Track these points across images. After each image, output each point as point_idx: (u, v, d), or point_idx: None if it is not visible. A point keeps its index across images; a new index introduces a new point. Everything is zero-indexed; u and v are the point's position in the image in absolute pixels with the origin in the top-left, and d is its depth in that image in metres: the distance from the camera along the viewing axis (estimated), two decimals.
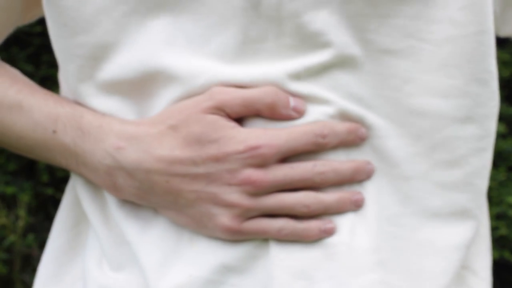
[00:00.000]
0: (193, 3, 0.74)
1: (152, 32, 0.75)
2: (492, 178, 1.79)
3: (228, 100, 0.73)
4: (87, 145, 0.78)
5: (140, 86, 0.77)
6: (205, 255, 0.76)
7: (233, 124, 0.73)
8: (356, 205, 0.75)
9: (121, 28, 0.75)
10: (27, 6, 0.85)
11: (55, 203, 1.79)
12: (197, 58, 0.74)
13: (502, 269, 1.89)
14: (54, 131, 0.80)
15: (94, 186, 0.82)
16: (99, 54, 0.76)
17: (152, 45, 0.75)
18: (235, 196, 0.74)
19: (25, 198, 1.69)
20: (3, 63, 0.89)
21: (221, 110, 0.73)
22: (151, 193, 0.76)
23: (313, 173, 0.74)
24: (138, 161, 0.76)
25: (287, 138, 0.73)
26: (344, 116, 0.75)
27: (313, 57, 0.73)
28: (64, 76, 0.82)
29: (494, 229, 1.85)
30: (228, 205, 0.74)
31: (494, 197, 1.80)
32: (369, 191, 0.76)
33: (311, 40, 0.73)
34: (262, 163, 0.73)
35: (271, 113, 0.73)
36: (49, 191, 1.73)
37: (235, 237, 0.75)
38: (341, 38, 0.73)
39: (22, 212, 1.71)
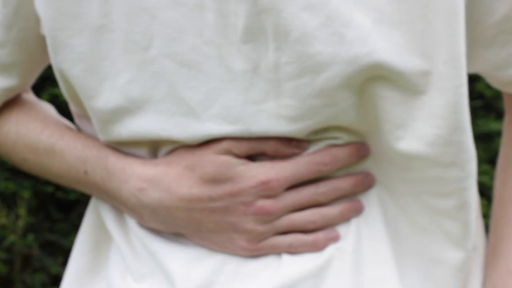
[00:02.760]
0: (190, 73, 0.77)
1: (154, 100, 0.79)
2: (492, 177, 1.80)
3: (236, 144, 0.78)
4: (113, 184, 0.84)
5: (150, 145, 0.82)
6: (224, 265, 0.82)
7: (243, 161, 0.79)
8: (357, 212, 0.81)
9: (125, 95, 0.79)
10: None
11: (55, 202, 1.79)
12: (201, 123, 0.78)
13: None
14: (85, 172, 0.87)
15: (117, 208, 0.88)
16: (109, 118, 0.81)
17: (157, 114, 0.79)
18: (251, 224, 0.80)
19: (25, 194, 1.69)
20: (35, 103, 0.95)
21: (230, 152, 0.79)
22: (174, 225, 0.83)
23: (317, 194, 0.80)
24: (159, 200, 0.81)
25: (292, 169, 0.79)
26: (343, 139, 0.79)
27: (313, 118, 0.77)
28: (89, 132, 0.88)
29: None
30: (246, 231, 0.81)
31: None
32: (372, 198, 0.81)
33: (310, 102, 0.76)
34: (272, 194, 0.79)
35: (275, 153, 0.79)
36: (49, 189, 1.74)
37: (252, 254, 0.82)
38: (340, 96, 0.75)
39: (22, 212, 1.72)
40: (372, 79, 0.74)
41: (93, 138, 0.87)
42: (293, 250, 0.80)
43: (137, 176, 0.82)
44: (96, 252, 0.92)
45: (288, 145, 0.78)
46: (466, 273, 0.83)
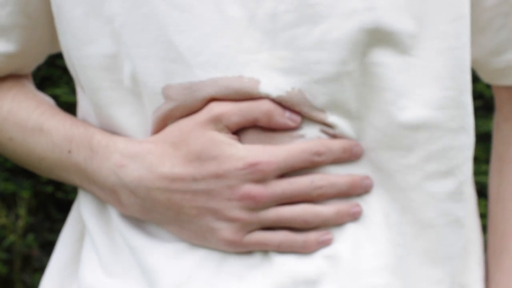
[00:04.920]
0: (182, 16, 0.74)
1: (142, 44, 0.76)
2: None
3: (225, 111, 0.74)
4: (95, 163, 0.81)
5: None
6: (206, 261, 0.78)
7: (231, 141, 0.75)
8: (354, 217, 0.77)
9: (120, 41, 0.76)
10: (56, 37, 0.87)
11: (55, 202, 1.79)
12: (190, 70, 0.75)
13: None
14: (69, 151, 0.83)
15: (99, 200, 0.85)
16: (107, 65, 0.77)
17: (143, 61, 0.76)
18: (235, 211, 0.75)
19: (25, 194, 1.69)
20: (35, 90, 0.93)
21: (219, 122, 0.74)
22: (153, 210, 0.78)
23: (310, 188, 0.75)
24: (139, 178, 0.77)
25: (285, 155, 0.75)
26: (338, 128, 0.76)
27: (307, 74, 0.74)
28: (84, 88, 0.84)
29: None
30: (229, 220, 0.76)
31: None
32: (371, 199, 0.78)
33: (305, 54, 0.73)
34: (261, 178, 0.74)
35: (268, 120, 0.74)
36: (49, 189, 1.73)
37: (237, 249, 0.77)
38: (336, 55, 0.73)
39: (22, 212, 1.72)
40: (371, 45, 0.73)
41: (83, 120, 0.85)
42: (281, 250, 0.76)
43: (120, 152, 0.79)
44: (80, 244, 0.89)
45: (282, 114, 0.74)
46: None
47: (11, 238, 1.72)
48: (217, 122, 0.74)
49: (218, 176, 0.75)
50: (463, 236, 0.79)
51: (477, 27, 0.80)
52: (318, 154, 0.75)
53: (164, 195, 0.77)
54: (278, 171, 0.75)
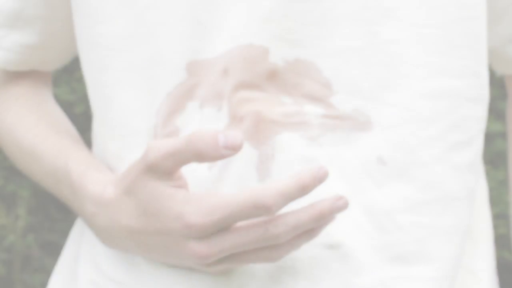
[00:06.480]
0: None
1: (169, 23, 0.76)
2: (492, 178, 1.79)
3: (158, 159, 0.71)
4: (77, 205, 0.82)
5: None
6: None
7: (170, 191, 0.71)
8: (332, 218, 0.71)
9: (141, 22, 0.77)
10: None
11: (55, 202, 1.79)
12: (213, 46, 0.75)
13: (502, 269, 1.88)
14: (57, 182, 0.84)
15: None
16: (119, 45, 0.77)
17: (170, 38, 0.76)
18: (190, 262, 0.73)
19: (24, 193, 1.69)
20: (45, 101, 0.92)
21: (156, 170, 0.71)
22: (131, 251, 0.79)
23: (265, 237, 0.69)
24: (108, 227, 0.78)
25: (223, 212, 0.68)
26: (344, 108, 0.75)
27: (310, 48, 0.74)
28: (87, 68, 0.84)
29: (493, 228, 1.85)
30: (192, 267, 0.74)
31: (493, 197, 1.79)
32: (384, 185, 0.75)
33: (309, 29, 0.74)
34: (202, 235, 0.70)
35: (201, 160, 0.70)
36: None
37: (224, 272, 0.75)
38: (344, 30, 0.73)
39: (22, 212, 1.71)
40: (377, 22, 0.73)
41: (69, 144, 0.85)
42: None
43: (89, 199, 0.79)
44: None
45: (214, 148, 0.68)
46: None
47: (11, 238, 1.72)
48: (154, 170, 0.72)
49: (163, 233, 0.72)
50: (472, 211, 0.79)
51: (494, 16, 0.80)
52: (265, 207, 0.67)
53: (131, 242, 0.77)
54: (217, 228, 0.69)
